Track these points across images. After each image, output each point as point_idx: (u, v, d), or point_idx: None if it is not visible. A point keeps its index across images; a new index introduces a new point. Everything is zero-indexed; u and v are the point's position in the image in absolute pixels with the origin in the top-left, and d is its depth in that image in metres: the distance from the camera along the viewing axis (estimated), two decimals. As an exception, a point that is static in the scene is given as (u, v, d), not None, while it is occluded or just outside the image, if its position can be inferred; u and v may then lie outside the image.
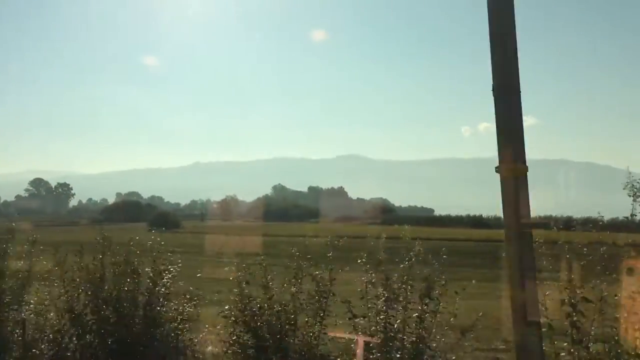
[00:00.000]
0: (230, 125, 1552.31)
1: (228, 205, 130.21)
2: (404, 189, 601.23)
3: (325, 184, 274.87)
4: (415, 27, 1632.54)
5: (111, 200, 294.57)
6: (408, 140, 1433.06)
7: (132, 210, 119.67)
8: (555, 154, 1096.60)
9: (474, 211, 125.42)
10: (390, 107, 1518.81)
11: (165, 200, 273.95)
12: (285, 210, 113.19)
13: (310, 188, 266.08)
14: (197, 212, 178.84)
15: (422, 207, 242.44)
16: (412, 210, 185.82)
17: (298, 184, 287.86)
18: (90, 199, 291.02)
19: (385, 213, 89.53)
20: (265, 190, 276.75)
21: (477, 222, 73.81)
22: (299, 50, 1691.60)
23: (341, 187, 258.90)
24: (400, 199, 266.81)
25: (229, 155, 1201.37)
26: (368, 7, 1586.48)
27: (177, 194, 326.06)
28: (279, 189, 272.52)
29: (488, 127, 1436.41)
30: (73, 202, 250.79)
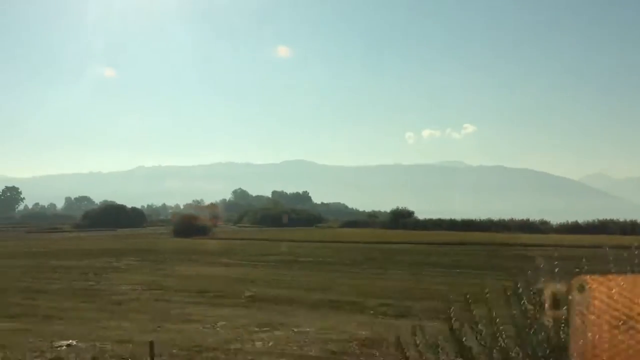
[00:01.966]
0: (173, 129, 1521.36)
1: (210, 210, 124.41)
2: (354, 193, 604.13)
3: (271, 190, 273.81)
4: (361, 34, 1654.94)
5: (60, 205, 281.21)
6: (354, 146, 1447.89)
7: (117, 214, 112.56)
8: (492, 160, 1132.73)
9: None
10: (336, 113, 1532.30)
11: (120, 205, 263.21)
12: (280, 215, 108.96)
13: (274, 192, 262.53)
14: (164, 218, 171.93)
15: (384, 211, 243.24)
16: (364, 215, 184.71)
17: (248, 188, 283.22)
18: (37, 204, 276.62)
19: (404, 218, 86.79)
20: (217, 194, 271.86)
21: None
22: (245, 55, 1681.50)
23: (306, 191, 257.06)
24: (358, 204, 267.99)
25: (172, 160, 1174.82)
26: (319, 13, 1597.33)
27: (125, 199, 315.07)
28: (240, 194, 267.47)
29: (431, 133, 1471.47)
30: (19, 208, 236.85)
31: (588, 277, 1.68)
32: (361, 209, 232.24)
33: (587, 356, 1.60)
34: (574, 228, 62.71)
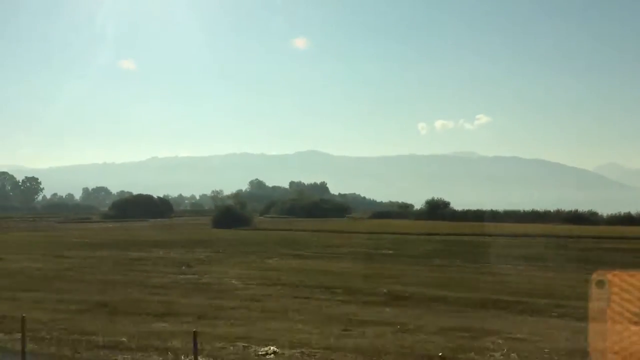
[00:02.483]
0: (186, 120, 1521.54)
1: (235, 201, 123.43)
2: (368, 184, 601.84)
3: (285, 180, 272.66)
4: (374, 25, 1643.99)
5: (77, 195, 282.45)
6: (366, 136, 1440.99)
7: (145, 205, 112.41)
8: (507, 150, 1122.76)
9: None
10: (348, 104, 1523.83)
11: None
12: (313, 205, 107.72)
13: (292, 183, 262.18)
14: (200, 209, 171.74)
15: (402, 202, 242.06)
16: (394, 206, 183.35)
17: (263, 179, 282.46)
18: (55, 194, 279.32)
19: (441, 209, 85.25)
20: (233, 185, 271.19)
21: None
22: (259, 46, 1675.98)
23: (324, 182, 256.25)
24: (373, 195, 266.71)
25: (186, 151, 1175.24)
26: (334, 4, 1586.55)
27: (140, 190, 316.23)
28: (257, 184, 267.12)
29: (444, 124, 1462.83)
30: (38, 198, 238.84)
31: (608, 272, 1.72)
32: (378, 200, 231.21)
33: (605, 353, 1.64)
34: (626, 219, 61.14)
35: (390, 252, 30.30)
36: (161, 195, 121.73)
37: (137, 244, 35.87)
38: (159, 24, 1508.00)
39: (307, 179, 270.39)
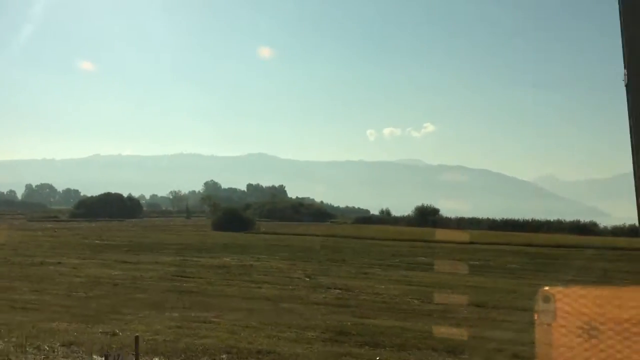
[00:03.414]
0: (133, 118, 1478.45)
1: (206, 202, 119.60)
2: (319, 189, 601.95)
3: (236, 182, 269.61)
4: (326, 29, 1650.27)
5: (20, 192, 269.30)
6: (315, 141, 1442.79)
7: (115, 204, 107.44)
8: (452, 159, 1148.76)
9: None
10: (299, 107, 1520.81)
11: (83, 194, 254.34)
12: (294, 209, 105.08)
13: (249, 186, 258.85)
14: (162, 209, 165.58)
15: (358, 208, 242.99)
16: (351, 212, 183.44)
17: (216, 180, 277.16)
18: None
19: (431, 215, 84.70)
20: (182, 185, 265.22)
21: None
22: (212, 49, 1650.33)
23: (282, 185, 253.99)
24: (325, 199, 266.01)
25: (130, 150, 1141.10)
26: (289, 11, 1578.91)
27: (83, 188, 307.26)
28: (212, 186, 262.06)
29: (392, 131, 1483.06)
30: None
31: (553, 288, 1.93)
32: (335, 205, 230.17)
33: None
34: (631, 231, 61.67)
35: (477, 262, 28.46)
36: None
37: (177, 248, 32.81)
38: (113, 22, 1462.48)
39: (257, 181, 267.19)
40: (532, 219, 69.83)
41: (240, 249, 32.97)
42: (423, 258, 29.43)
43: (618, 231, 61.72)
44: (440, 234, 41.33)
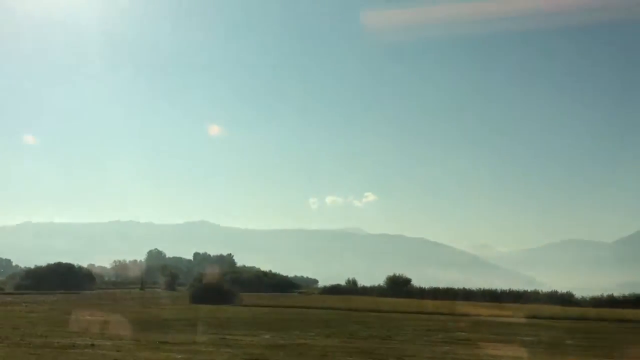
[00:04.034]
0: (67, 183, 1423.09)
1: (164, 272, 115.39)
2: (259, 258, 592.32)
3: (176, 251, 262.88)
4: (268, 101, 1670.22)
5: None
6: (256, 209, 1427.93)
7: (65, 275, 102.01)
8: (393, 229, 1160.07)
9: (325, 282, 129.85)
10: (239, 175, 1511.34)
11: (16, 264, 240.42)
12: (257, 280, 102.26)
13: (196, 254, 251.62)
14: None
15: (307, 277, 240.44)
16: (300, 281, 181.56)
17: (154, 249, 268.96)
18: None
19: (403, 285, 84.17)
20: (121, 255, 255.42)
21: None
22: (152, 114, 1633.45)
23: (230, 253, 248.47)
24: (273, 268, 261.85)
25: (64, 216, 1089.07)
26: (216, 68, 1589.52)
27: (18, 256, 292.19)
28: (155, 255, 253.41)
29: (334, 200, 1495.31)
30: None
31: None
32: (283, 274, 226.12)
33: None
34: (609, 302, 63.20)
35: (530, 339, 27.47)
36: (40, 264, 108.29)
37: (214, 324, 30.38)
38: (51, 93, 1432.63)
39: (198, 249, 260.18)
40: (509, 290, 71.00)
41: (267, 326, 30.89)
42: (463, 333, 28.32)
43: (597, 301, 63.06)
44: (467, 307, 40.38)
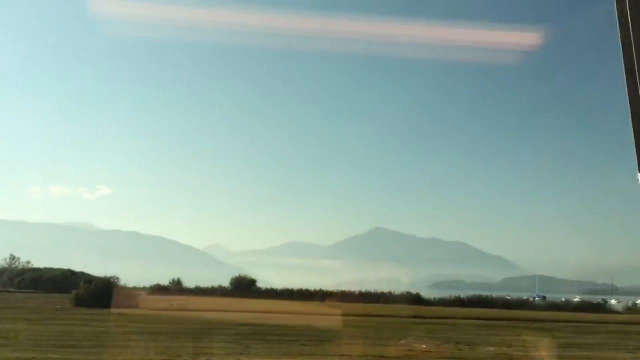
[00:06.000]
0: None
1: None
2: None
3: None
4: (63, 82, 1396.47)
5: None
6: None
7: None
8: (127, 225, 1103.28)
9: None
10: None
11: None
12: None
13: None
14: None
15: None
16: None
17: None
18: None
19: (249, 286, 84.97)
20: None
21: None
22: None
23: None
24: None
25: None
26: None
27: None
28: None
29: (61, 190, 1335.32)
30: None
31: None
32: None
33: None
34: (456, 302, 72.77)
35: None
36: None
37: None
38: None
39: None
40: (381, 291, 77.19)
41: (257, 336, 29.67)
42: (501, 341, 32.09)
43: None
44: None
